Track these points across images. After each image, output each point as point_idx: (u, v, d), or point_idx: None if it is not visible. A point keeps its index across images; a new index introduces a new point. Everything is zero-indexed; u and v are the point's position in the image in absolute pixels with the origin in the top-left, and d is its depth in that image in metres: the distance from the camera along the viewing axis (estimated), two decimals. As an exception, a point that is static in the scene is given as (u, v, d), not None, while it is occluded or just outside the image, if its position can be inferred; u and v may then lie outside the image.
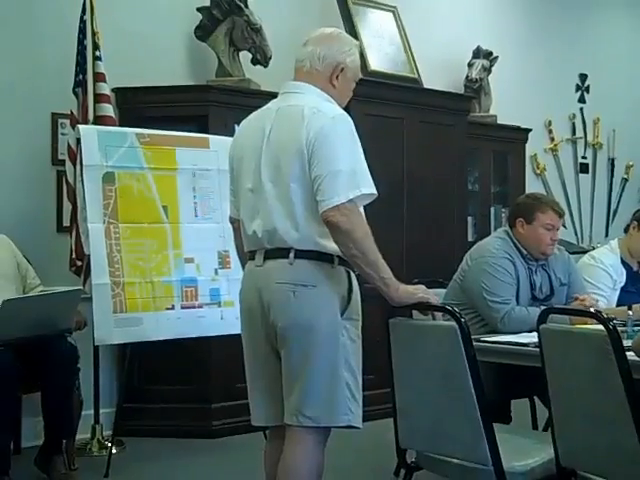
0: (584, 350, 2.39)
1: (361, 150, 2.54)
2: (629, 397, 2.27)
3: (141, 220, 4.01)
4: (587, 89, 7.58)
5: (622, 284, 3.80)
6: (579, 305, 3.31)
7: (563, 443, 2.52)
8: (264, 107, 2.71)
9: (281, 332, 2.54)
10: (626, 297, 3.70)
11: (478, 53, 6.42)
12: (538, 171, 7.20)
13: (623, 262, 3.86)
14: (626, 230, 3.98)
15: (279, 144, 2.56)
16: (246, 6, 5.01)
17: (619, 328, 2.37)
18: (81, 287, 4.11)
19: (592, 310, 2.58)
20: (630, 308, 2.96)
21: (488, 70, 6.43)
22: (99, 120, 4.36)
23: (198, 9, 5.03)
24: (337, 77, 2.66)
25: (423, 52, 5.95)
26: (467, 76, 6.35)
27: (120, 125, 4.49)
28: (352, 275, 2.59)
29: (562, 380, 2.49)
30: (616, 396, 2.29)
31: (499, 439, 2.51)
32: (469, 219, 6.09)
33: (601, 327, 2.33)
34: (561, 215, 3.54)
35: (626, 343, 2.41)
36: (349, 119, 2.56)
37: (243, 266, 2.77)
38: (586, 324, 2.75)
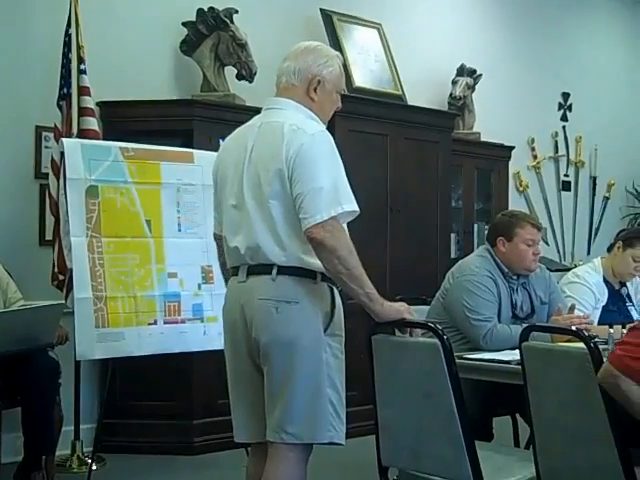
0: (565, 368, 2.40)
1: (342, 167, 2.54)
2: (610, 415, 2.28)
3: (124, 234, 3.98)
4: (569, 108, 7.65)
5: (604, 303, 3.82)
6: (564, 321, 3.31)
7: (545, 461, 2.52)
8: (248, 123, 2.71)
9: (263, 348, 2.53)
10: (607, 316, 3.72)
11: (462, 71, 6.46)
12: (521, 188, 7.24)
13: (605, 281, 3.88)
14: (609, 249, 4.00)
15: (260, 161, 2.56)
16: (232, 21, 5.02)
17: (600, 346, 2.39)
18: (63, 301, 4.08)
19: (574, 328, 2.59)
20: (611, 327, 2.97)
21: (472, 88, 6.47)
22: (83, 133, 4.35)
23: (183, 24, 5.04)
24: (315, 90, 2.65)
25: (408, 69, 5.99)
26: (451, 93, 6.39)
27: (104, 139, 4.47)
28: (335, 291, 2.59)
29: (543, 398, 2.50)
30: (597, 414, 2.30)
31: (481, 457, 2.51)
32: (452, 236, 6.11)
33: (582, 345, 2.34)
34: (539, 229, 3.56)
35: (607, 361, 2.42)
36: (329, 136, 2.56)
37: (227, 283, 2.77)
38: (567, 341, 2.77)
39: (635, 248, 3.84)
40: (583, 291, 3.80)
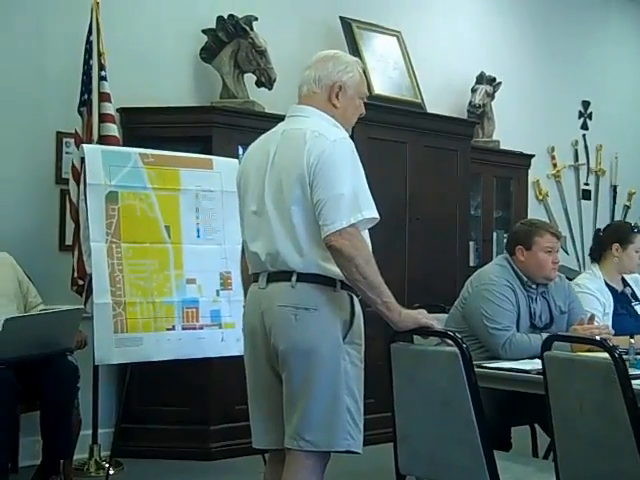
0: (589, 378, 2.38)
1: (363, 174, 2.54)
2: (634, 426, 2.26)
3: (143, 240, 4.00)
4: (590, 116, 7.61)
5: (612, 307, 3.80)
6: (584, 332, 3.29)
7: (566, 471, 2.49)
8: (271, 130, 2.72)
9: (282, 355, 2.53)
10: (619, 320, 3.71)
11: (481, 79, 6.45)
12: (540, 197, 7.21)
13: (608, 286, 3.86)
14: (595, 256, 3.96)
15: (281, 167, 2.57)
16: (251, 29, 5.04)
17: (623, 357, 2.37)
18: (82, 306, 4.10)
19: (597, 338, 2.57)
20: (632, 337, 2.95)
21: (491, 96, 6.45)
22: (103, 140, 4.38)
23: (203, 31, 5.06)
24: (337, 96, 2.66)
25: (427, 77, 5.98)
26: (470, 101, 6.38)
27: (124, 145, 4.50)
28: (355, 299, 2.58)
29: (566, 408, 2.48)
30: (621, 424, 2.27)
31: (499, 466, 2.50)
32: (471, 244, 6.09)
33: (604, 354, 2.32)
34: (558, 237, 3.54)
35: (631, 372, 2.40)
36: (350, 142, 2.57)
37: (245, 291, 2.76)
38: (587, 351, 2.74)
39: (635, 242, 3.85)
40: (589, 300, 3.77)
